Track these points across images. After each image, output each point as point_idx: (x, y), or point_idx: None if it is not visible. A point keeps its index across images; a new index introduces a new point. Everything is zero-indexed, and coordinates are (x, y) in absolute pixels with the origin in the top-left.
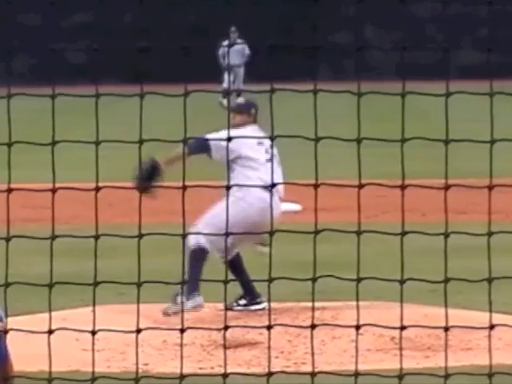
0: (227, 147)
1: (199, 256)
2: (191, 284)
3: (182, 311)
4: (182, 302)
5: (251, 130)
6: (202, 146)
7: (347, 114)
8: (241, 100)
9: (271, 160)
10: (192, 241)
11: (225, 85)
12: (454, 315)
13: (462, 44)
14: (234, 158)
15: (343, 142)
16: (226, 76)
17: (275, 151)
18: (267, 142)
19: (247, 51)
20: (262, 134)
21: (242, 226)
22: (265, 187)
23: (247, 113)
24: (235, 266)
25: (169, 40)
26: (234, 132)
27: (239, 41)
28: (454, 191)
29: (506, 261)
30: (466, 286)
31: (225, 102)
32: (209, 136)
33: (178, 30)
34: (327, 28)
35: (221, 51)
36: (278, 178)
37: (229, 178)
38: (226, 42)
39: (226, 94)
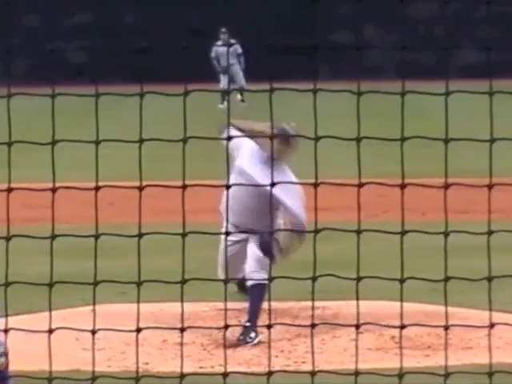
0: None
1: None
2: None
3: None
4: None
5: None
6: None
7: (348, 114)
8: (290, 128)
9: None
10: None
11: (221, 85)
12: (454, 314)
13: (463, 43)
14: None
15: (344, 141)
16: (221, 77)
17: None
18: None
19: (239, 50)
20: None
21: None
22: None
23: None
24: (262, 291)
25: (168, 40)
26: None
27: (231, 41)
28: (454, 190)
29: (507, 260)
30: (467, 284)
31: (222, 106)
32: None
33: (178, 30)
34: (327, 27)
35: (213, 53)
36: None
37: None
38: (218, 43)
39: (224, 94)
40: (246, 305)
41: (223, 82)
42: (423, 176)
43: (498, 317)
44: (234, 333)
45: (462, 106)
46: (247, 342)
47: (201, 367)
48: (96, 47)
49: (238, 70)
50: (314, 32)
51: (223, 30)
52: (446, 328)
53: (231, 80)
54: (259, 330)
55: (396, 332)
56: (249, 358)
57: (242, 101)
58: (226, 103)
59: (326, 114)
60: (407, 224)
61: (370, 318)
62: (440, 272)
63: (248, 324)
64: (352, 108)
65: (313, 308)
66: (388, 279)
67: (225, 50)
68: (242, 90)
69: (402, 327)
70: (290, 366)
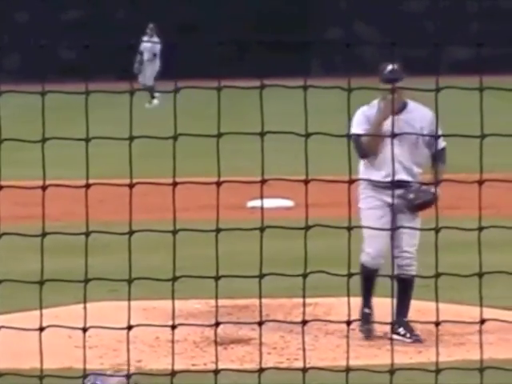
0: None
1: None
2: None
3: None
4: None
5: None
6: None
7: (340, 110)
8: (393, 67)
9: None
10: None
11: (140, 79)
12: (446, 310)
13: (454, 39)
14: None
15: (337, 138)
16: (145, 63)
17: None
18: None
19: (157, 49)
20: None
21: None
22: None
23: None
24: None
25: (160, 37)
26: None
27: (155, 38)
28: (445, 186)
29: (499, 256)
30: (459, 281)
31: (149, 105)
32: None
33: (169, 27)
34: (319, 24)
35: (142, 48)
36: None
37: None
38: (144, 38)
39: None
40: (238, 302)
41: (143, 77)
42: None
43: (490, 312)
44: (226, 330)
45: (455, 102)
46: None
47: (193, 364)
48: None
49: (148, 70)
50: (305, 29)
51: (151, 25)
52: (437, 324)
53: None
54: (251, 326)
55: (388, 328)
56: (241, 356)
57: (151, 100)
58: (155, 101)
59: (319, 111)
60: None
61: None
62: (433, 268)
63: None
64: (344, 104)
65: (304, 305)
66: (379, 275)
67: (147, 46)
68: (147, 89)
69: (393, 324)
70: (283, 363)
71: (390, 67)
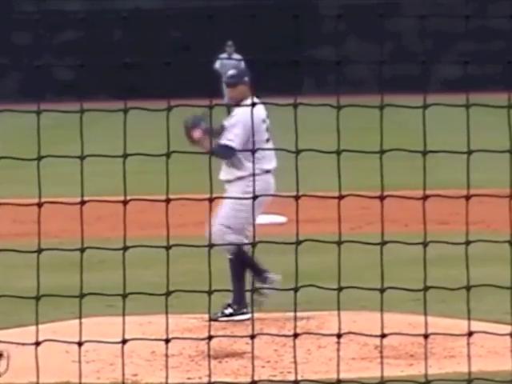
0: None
1: (239, 254)
2: (256, 274)
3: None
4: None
5: (255, 107)
6: (230, 154)
7: (332, 127)
8: (231, 71)
9: (270, 140)
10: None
11: (226, 99)
12: (436, 323)
13: (445, 58)
14: (246, 142)
15: (328, 154)
16: (225, 91)
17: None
18: (267, 119)
19: (242, 66)
20: (263, 109)
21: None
22: (267, 171)
23: (242, 82)
24: (240, 266)
25: (156, 56)
26: (240, 117)
27: (236, 55)
28: (436, 202)
29: (488, 269)
30: (449, 294)
31: None
32: (230, 144)
33: (166, 46)
34: (311, 43)
35: (218, 64)
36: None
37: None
38: (223, 55)
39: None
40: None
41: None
42: (406, 188)
43: (479, 326)
44: (220, 344)
45: (444, 120)
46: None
47: (188, 378)
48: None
49: None
50: (298, 47)
51: (229, 43)
52: (426, 336)
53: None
54: (245, 340)
55: (380, 341)
56: (236, 369)
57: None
58: None
59: (310, 128)
60: (390, 235)
61: (355, 329)
62: (422, 282)
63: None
64: (335, 121)
65: (295, 318)
66: (368, 289)
67: (229, 63)
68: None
69: (383, 336)
70: (277, 376)
71: (230, 72)
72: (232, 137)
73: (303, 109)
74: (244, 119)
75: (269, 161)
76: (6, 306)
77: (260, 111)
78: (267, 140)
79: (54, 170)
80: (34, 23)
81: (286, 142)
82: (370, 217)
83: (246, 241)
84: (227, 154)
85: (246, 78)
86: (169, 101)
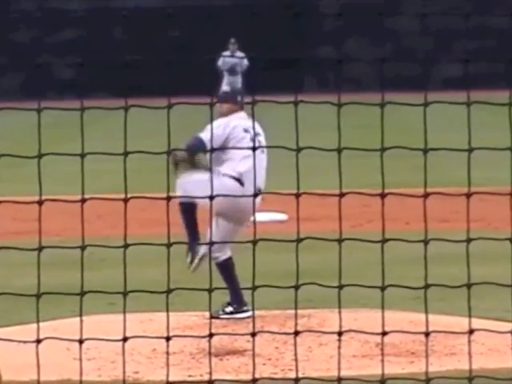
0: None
1: (188, 208)
2: (189, 239)
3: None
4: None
5: (238, 117)
6: (200, 146)
7: (334, 125)
8: (226, 88)
9: (255, 149)
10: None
11: (224, 87)
12: (437, 321)
13: (447, 56)
14: (220, 147)
15: (331, 152)
16: (225, 79)
17: (262, 138)
18: (252, 130)
19: (245, 62)
20: (249, 122)
21: (229, 208)
22: (237, 178)
23: (233, 100)
24: (227, 270)
25: (156, 54)
26: (221, 121)
27: (238, 53)
28: (437, 200)
29: (489, 267)
30: (450, 292)
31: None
32: (202, 135)
33: (165, 45)
34: (313, 41)
35: (220, 61)
36: (261, 168)
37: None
38: (226, 53)
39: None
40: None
41: (225, 83)
42: (407, 186)
43: (480, 323)
44: (221, 342)
45: (444, 118)
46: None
47: (189, 375)
48: (84, 63)
49: (238, 81)
50: (299, 46)
51: (232, 40)
52: (427, 334)
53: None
54: (247, 338)
55: (380, 339)
56: (237, 366)
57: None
58: None
59: (315, 126)
60: (391, 233)
61: (356, 327)
62: (423, 280)
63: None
64: (342, 119)
65: (296, 316)
66: (369, 287)
67: (232, 61)
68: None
69: (384, 334)
70: (278, 374)
71: (225, 88)
72: (203, 132)
73: (304, 107)
74: (218, 121)
75: (244, 168)
76: (6, 304)
77: (242, 121)
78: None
79: (54, 168)
80: (35, 22)
81: (287, 140)
82: (371, 215)
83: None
84: (194, 143)
85: (239, 98)
86: (169, 99)
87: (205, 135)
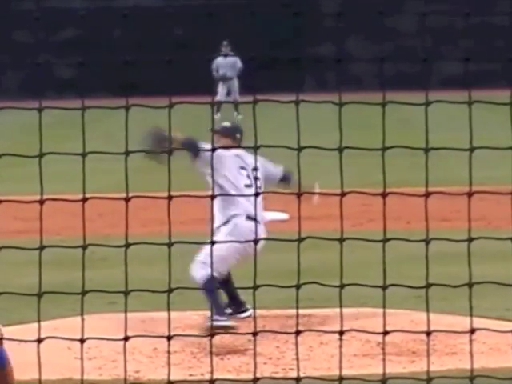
0: (212, 161)
1: (211, 285)
2: (217, 311)
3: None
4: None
5: (235, 152)
6: (194, 147)
7: (335, 124)
8: (227, 123)
9: (251, 186)
10: (199, 274)
11: (218, 97)
12: (438, 320)
13: (446, 55)
14: (214, 175)
15: (331, 151)
16: (219, 89)
17: (259, 174)
18: (250, 167)
19: (239, 64)
20: (246, 158)
21: (235, 256)
22: (249, 217)
23: (232, 137)
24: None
25: (156, 54)
26: (220, 152)
27: (231, 54)
28: (438, 199)
29: (491, 267)
30: (451, 292)
31: (216, 117)
32: (202, 142)
33: (166, 44)
34: (313, 40)
35: (214, 64)
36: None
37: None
38: (219, 58)
39: (220, 105)
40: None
41: (220, 93)
42: (408, 185)
43: (481, 323)
44: (223, 341)
45: (446, 117)
46: None
47: (190, 375)
48: (84, 62)
49: (235, 85)
50: (299, 45)
51: (225, 42)
52: (428, 333)
53: (228, 93)
54: (248, 337)
55: (382, 338)
56: (238, 366)
57: (238, 114)
58: (219, 114)
59: (316, 125)
60: (392, 232)
61: (357, 326)
62: (424, 279)
63: None
64: (343, 118)
65: (297, 315)
66: (370, 286)
67: (224, 62)
68: (235, 104)
69: (385, 333)
70: (279, 373)
71: (226, 123)
72: (205, 143)
73: (305, 106)
74: (219, 150)
75: (238, 207)
76: (7, 303)
77: (238, 159)
78: (247, 186)
79: (55, 168)
80: (35, 21)
81: (288, 139)
82: (372, 214)
83: (217, 275)
84: (191, 142)
85: (238, 135)
86: (170, 98)
87: (204, 144)
